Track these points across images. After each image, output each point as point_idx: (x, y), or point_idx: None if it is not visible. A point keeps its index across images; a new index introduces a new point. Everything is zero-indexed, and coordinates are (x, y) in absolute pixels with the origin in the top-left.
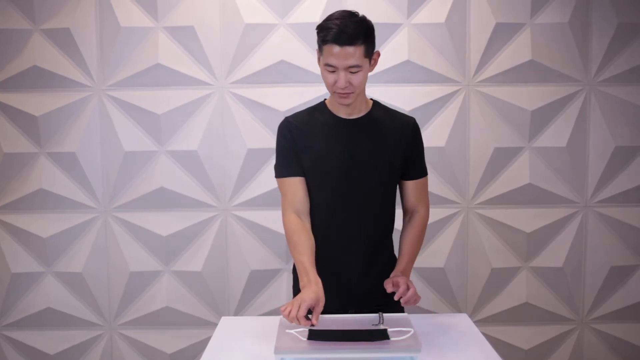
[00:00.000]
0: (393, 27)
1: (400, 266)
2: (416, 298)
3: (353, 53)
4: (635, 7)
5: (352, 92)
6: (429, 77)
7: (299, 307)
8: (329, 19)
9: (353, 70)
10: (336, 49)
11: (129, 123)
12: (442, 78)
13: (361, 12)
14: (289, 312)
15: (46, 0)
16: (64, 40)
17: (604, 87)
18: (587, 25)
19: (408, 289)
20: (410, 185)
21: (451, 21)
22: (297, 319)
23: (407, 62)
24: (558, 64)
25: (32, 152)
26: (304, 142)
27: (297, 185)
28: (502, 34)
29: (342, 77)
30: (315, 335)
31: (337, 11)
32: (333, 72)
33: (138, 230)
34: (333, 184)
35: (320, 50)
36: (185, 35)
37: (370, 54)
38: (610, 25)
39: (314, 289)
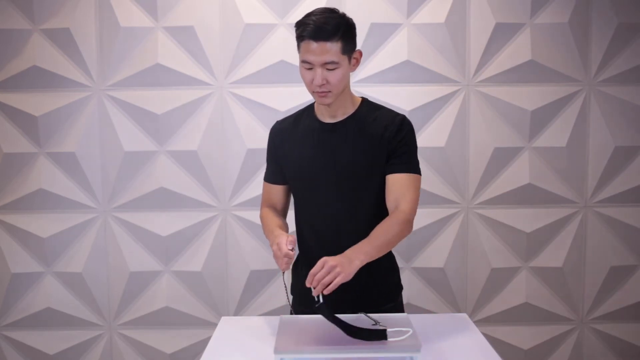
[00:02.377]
0: (393, 27)
1: (351, 247)
2: (328, 280)
3: (329, 49)
4: (635, 7)
5: (330, 92)
6: (429, 77)
7: (280, 250)
8: (307, 15)
9: (330, 67)
10: (312, 45)
11: (128, 123)
12: (442, 78)
13: (361, 12)
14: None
15: (46, 0)
16: (63, 40)
17: (603, 87)
18: (587, 25)
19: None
20: (390, 180)
21: (451, 21)
22: (286, 256)
23: (407, 62)
24: (558, 64)
25: (31, 152)
26: (287, 149)
27: (277, 192)
28: (502, 34)
29: (318, 74)
30: (322, 311)
31: (318, 8)
32: (310, 69)
33: (138, 230)
34: (320, 188)
35: (298, 48)
36: (185, 35)
37: (349, 51)
38: (610, 25)
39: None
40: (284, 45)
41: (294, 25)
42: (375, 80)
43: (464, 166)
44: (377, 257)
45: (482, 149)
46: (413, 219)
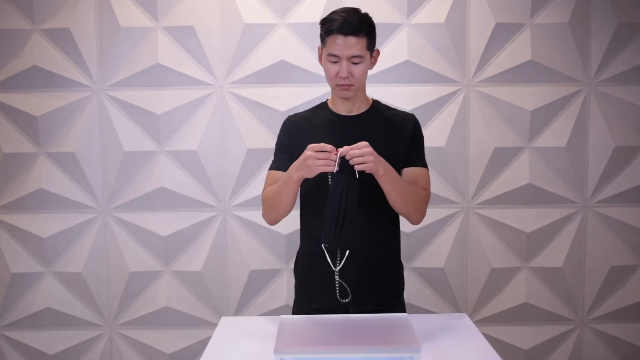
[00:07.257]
0: (393, 27)
1: None
2: (361, 159)
3: (356, 43)
4: (635, 7)
5: (352, 85)
6: (429, 77)
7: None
8: (332, 13)
9: (355, 60)
10: (340, 38)
11: (128, 123)
12: (442, 78)
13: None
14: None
15: (46, 0)
16: (63, 40)
17: (603, 87)
18: (587, 25)
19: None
20: (407, 172)
21: (451, 21)
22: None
23: (406, 62)
24: (558, 64)
25: (31, 152)
26: (303, 140)
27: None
28: (502, 34)
29: (344, 66)
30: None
31: (341, 7)
32: (335, 62)
33: (138, 230)
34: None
35: (323, 42)
36: (184, 35)
37: (372, 48)
38: (610, 25)
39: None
40: (284, 45)
41: (318, 23)
42: (375, 80)
43: (464, 166)
44: (390, 186)
45: (482, 149)
46: (426, 207)
